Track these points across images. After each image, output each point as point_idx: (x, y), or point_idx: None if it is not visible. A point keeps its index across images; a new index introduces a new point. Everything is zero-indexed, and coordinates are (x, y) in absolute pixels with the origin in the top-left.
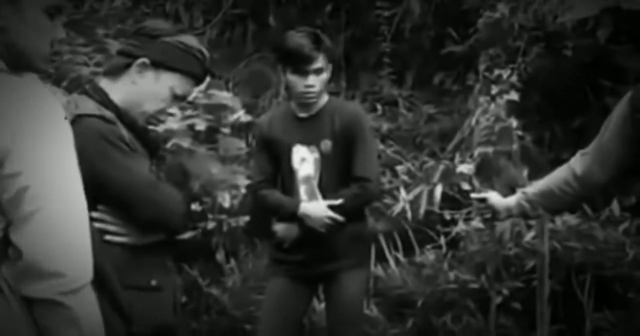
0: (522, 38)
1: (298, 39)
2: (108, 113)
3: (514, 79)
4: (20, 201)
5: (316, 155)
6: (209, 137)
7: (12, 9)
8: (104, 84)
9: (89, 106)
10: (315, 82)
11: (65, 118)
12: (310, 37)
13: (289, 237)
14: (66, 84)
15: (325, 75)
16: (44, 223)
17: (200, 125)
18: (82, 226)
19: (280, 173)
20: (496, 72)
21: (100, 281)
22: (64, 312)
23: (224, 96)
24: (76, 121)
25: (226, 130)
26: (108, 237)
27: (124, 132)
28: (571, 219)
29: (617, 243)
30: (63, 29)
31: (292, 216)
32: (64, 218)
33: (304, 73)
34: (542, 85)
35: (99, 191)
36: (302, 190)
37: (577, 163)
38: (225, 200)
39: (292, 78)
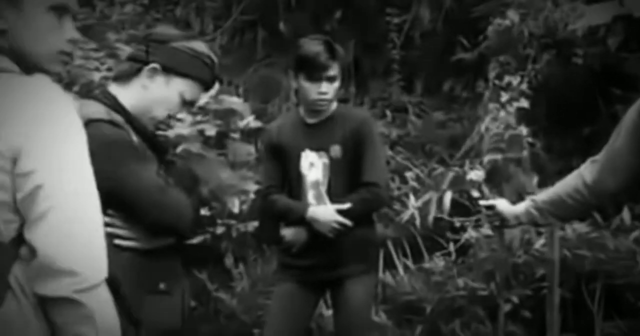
0: (532, 45)
1: (314, 46)
2: (117, 118)
3: (524, 86)
4: (34, 199)
5: (325, 160)
6: (219, 142)
7: (13, 11)
8: (114, 88)
9: (99, 111)
10: (329, 89)
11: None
12: (326, 45)
13: (297, 242)
14: (77, 88)
15: (337, 83)
16: (58, 222)
17: (210, 131)
18: (96, 224)
19: (288, 178)
20: (506, 79)
21: (109, 284)
22: (79, 310)
23: (234, 101)
24: (86, 126)
25: (236, 136)
26: (117, 241)
27: (133, 136)
28: (581, 227)
29: (627, 252)
30: (75, 29)
31: (301, 220)
32: (78, 217)
33: (317, 80)
34: (552, 93)
35: (108, 195)
36: (311, 195)
37: (587, 170)
38: (235, 205)
39: (306, 85)
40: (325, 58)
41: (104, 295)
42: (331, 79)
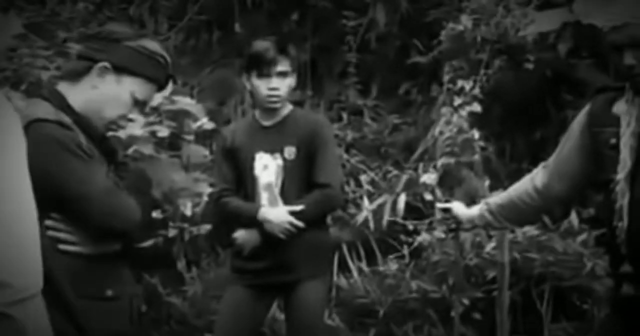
0: (484, 50)
1: (263, 43)
2: (65, 119)
3: (476, 91)
4: None
5: (279, 161)
6: (172, 143)
7: None
8: (63, 88)
9: (46, 110)
10: (279, 85)
11: (23, 125)
12: (275, 42)
13: (249, 244)
14: (25, 87)
15: (289, 81)
16: None
17: (163, 132)
18: (31, 234)
19: (243, 181)
20: (459, 83)
21: (53, 290)
22: (10, 324)
23: (188, 102)
24: (32, 126)
25: (189, 138)
26: (62, 246)
27: (81, 138)
28: (531, 230)
29: (575, 255)
30: (20, 25)
31: (252, 221)
32: (11, 226)
33: (267, 76)
34: (504, 98)
35: (53, 198)
36: (264, 197)
37: (537, 175)
38: (187, 208)
39: (257, 82)
40: (274, 53)
41: (38, 308)
42: (281, 74)
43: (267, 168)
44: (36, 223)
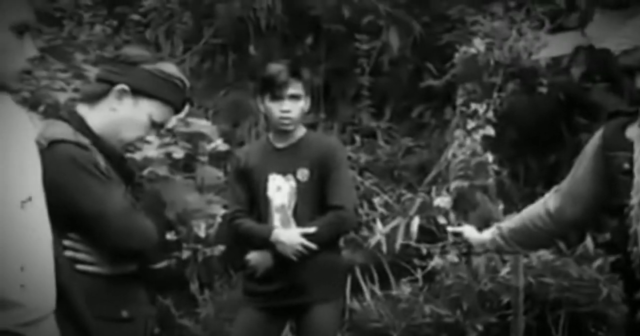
0: (497, 74)
1: (276, 66)
2: (84, 140)
3: (489, 114)
4: None
5: (292, 183)
6: (187, 165)
7: None
8: (82, 109)
9: (65, 131)
10: (292, 107)
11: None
12: (288, 65)
13: (262, 266)
14: (43, 109)
15: (302, 104)
16: (6, 254)
17: (178, 153)
18: (45, 256)
19: (256, 202)
20: (472, 107)
21: (70, 310)
22: None
23: (203, 124)
24: (51, 146)
25: (204, 159)
26: (79, 266)
27: (99, 158)
28: (546, 255)
29: (591, 280)
30: (34, 48)
31: (265, 243)
32: (26, 250)
33: (279, 98)
34: (518, 121)
35: (71, 218)
36: (277, 219)
37: (550, 199)
38: (201, 229)
39: (269, 104)
40: (286, 76)
41: (50, 329)
42: (294, 98)
43: (280, 189)
44: (50, 244)
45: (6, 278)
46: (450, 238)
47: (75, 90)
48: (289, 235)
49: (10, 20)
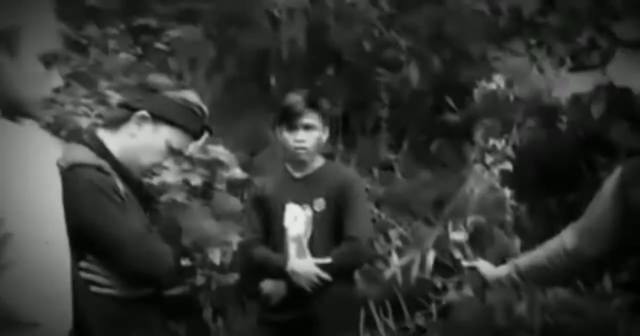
0: (517, 110)
1: (294, 97)
2: (104, 164)
3: (508, 149)
4: (1, 249)
5: (309, 213)
6: (204, 192)
7: (7, 55)
8: (102, 134)
9: (86, 155)
10: (306, 137)
11: (59, 166)
12: (306, 95)
13: (276, 295)
14: (65, 133)
15: (317, 134)
16: (24, 273)
17: (196, 180)
18: (62, 277)
19: (272, 231)
20: (491, 142)
21: (85, 332)
22: None
23: (221, 152)
24: (71, 170)
25: (221, 187)
26: (95, 288)
27: (118, 183)
28: (563, 293)
29: (609, 320)
30: (60, 77)
31: (280, 272)
32: (45, 269)
33: (294, 128)
34: (536, 157)
35: (89, 241)
36: (292, 248)
37: (567, 236)
38: (216, 256)
39: (285, 134)
40: (302, 106)
41: None
42: (308, 127)
43: (296, 219)
44: (68, 266)
45: (22, 299)
46: (466, 273)
47: (98, 115)
48: (305, 265)
49: (40, 49)
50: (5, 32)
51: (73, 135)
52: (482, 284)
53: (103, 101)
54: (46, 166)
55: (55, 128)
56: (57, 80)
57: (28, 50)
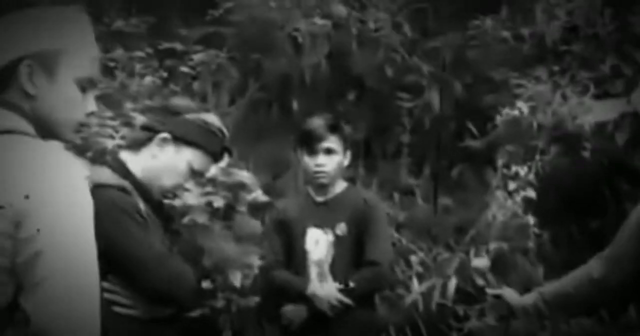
0: (540, 137)
1: (315, 121)
2: (126, 184)
3: (531, 176)
4: (33, 266)
5: (330, 237)
6: (226, 214)
7: (46, 78)
8: (125, 156)
9: (108, 176)
10: (326, 161)
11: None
12: (327, 120)
13: (296, 319)
14: (90, 154)
15: (338, 158)
16: (55, 290)
17: (218, 202)
18: (93, 294)
19: (293, 255)
20: (514, 168)
21: None
22: None
23: (243, 175)
24: (94, 190)
25: (243, 209)
26: (116, 308)
27: (140, 203)
28: (586, 322)
29: None
30: (94, 102)
31: (301, 296)
32: (75, 286)
33: (314, 152)
34: (560, 185)
35: (111, 261)
36: (314, 272)
37: (594, 266)
38: (237, 279)
39: (306, 158)
40: (323, 130)
41: None
42: (329, 152)
43: (318, 243)
44: (97, 285)
45: (52, 316)
46: (490, 300)
47: (122, 137)
48: (326, 289)
49: (78, 73)
50: (45, 55)
51: (97, 156)
52: (508, 312)
53: (128, 123)
54: (77, 184)
55: (82, 150)
56: (91, 105)
57: (67, 74)
